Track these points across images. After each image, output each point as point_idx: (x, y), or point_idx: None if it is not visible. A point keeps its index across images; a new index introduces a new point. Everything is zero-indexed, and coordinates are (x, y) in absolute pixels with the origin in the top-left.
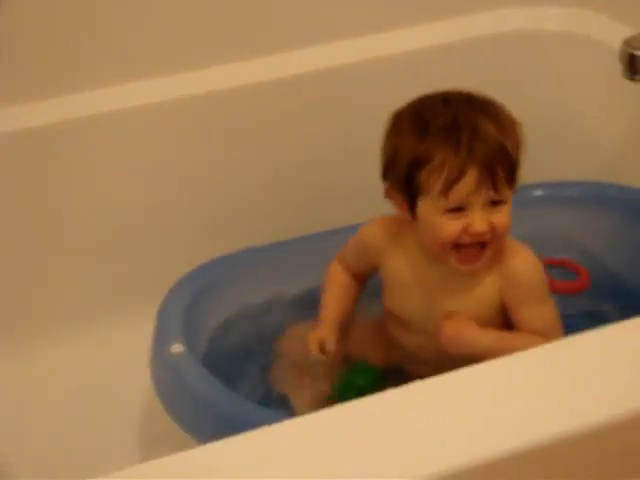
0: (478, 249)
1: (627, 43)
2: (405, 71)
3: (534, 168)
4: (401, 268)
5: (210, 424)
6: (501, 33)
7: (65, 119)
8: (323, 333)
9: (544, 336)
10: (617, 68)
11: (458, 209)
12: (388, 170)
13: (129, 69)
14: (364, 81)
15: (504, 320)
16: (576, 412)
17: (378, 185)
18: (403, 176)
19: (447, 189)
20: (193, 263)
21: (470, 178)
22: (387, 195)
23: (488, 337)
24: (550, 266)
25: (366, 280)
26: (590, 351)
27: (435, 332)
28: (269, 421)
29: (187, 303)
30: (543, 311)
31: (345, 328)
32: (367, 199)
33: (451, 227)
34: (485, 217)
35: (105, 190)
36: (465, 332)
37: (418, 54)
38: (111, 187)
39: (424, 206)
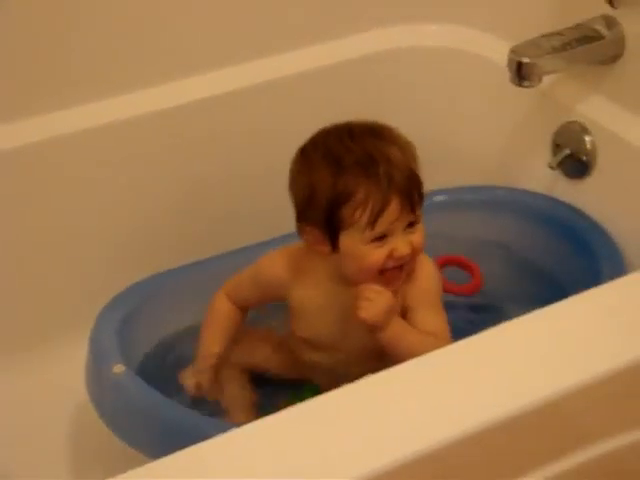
0: (400, 270)
1: (514, 51)
2: (288, 95)
3: (426, 179)
4: (312, 297)
5: (163, 439)
6: (383, 51)
7: None
8: (199, 377)
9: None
10: (496, 78)
11: (381, 237)
12: (305, 209)
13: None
14: (247, 107)
15: None
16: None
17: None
18: (323, 214)
19: (374, 220)
20: (127, 282)
21: (394, 206)
22: (301, 232)
23: (401, 328)
24: (446, 265)
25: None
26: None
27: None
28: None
29: (119, 323)
30: (437, 318)
31: (224, 359)
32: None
33: (378, 255)
34: (406, 240)
35: (29, 217)
36: (385, 320)
37: (301, 77)
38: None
39: (347, 239)
